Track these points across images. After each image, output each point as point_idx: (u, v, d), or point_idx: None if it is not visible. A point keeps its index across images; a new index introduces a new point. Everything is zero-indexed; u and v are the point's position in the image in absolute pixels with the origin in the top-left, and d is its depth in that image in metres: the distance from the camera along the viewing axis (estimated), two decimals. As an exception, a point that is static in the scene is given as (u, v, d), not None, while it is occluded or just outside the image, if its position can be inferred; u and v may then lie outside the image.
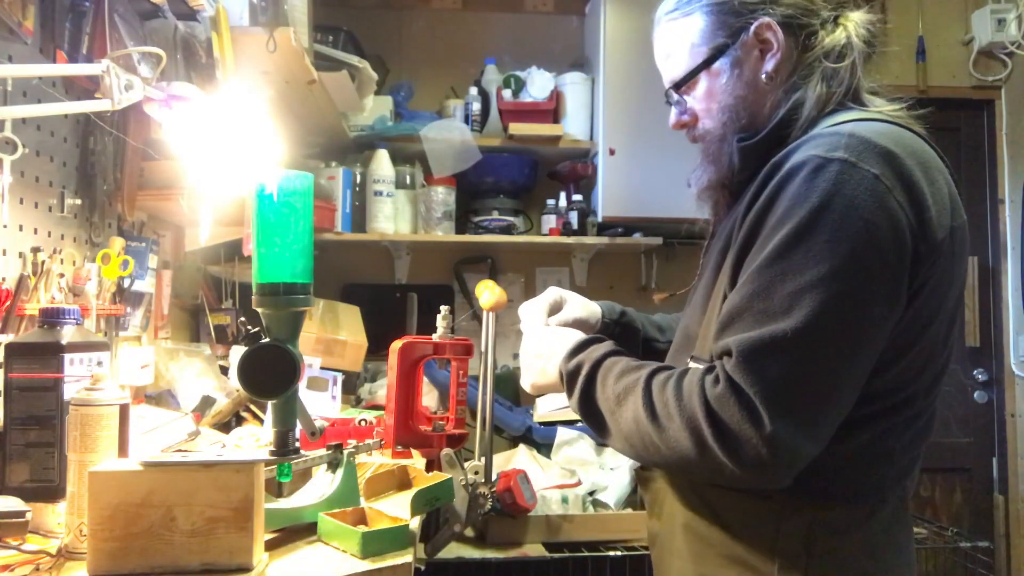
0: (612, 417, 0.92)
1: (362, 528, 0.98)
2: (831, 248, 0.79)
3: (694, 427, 0.82)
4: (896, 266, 0.81)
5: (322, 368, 1.94)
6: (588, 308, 1.22)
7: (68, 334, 1.01)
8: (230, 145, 1.31)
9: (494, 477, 1.65)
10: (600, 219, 2.49)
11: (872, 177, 0.81)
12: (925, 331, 0.87)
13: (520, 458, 2.02)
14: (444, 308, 1.57)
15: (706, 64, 0.98)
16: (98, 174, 1.52)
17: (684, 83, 1.01)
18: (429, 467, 1.43)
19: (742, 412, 0.79)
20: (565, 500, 1.79)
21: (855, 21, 0.97)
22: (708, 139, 1.01)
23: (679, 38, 1.01)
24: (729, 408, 0.79)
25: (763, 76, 0.96)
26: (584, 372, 0.95)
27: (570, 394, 0.98)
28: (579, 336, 1.03)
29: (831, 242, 0.79)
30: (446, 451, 1.35)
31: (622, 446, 0.93)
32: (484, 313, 1.34)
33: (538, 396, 1.16)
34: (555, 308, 1.20)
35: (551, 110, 2.56)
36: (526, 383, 1.09)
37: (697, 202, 1.06)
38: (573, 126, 2.57)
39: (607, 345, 0.99)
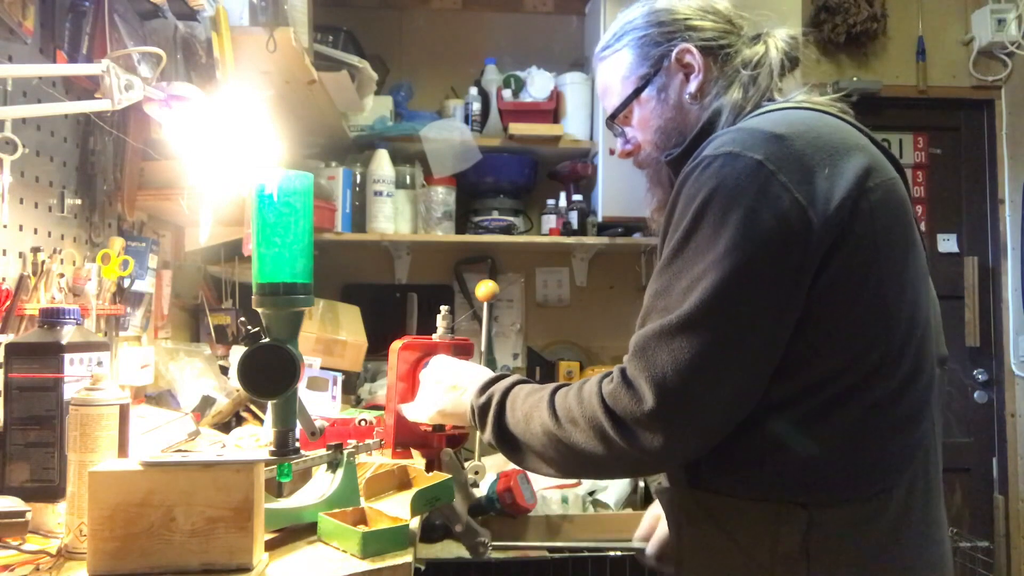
0: (525, 437, 0.96)
1: (362, 528, 0.98)
2: (713, 239, 0.83)
3: (596, 424, 0.87)
4: (781, 245, 0.82)
5: (322, 368, 1.94)
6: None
7: (68, 334, 1.01)
8: (230, 145, 1.31)
9: (494, 477, 1.65)
10: (600, 219, 2.49)
11: (755, 163, 0.84)
12: (857, 298, 0.86)
13: (520, 458, 2.02)
14: (444, 308, 1.57)
15: (636, 93, 1.06)
16: (98, 174, 1.52)
17: (619, 113, 1.09)
18: (429, 467, 1.43)
19: (631, 399, 0.84)
20: (565, 500, 1.79)
21: (776, 36, 1.05)
22: (648, 163, 1.09)
23: (612, 73, 1.09)
24: (621, 399, 0.85)
25: (687, 97, 1.03)
26: (495, 402, 1.01)
27: (483, 427, 1.03)
28: (488, 373, 1.10)
29: (714, 234, 0.83)
30: (446, 451, 1.35)
31: (540, 464, 0.97)
32: (482, 307, 1.39)
33: (422, 423, 1.23)
34: None
35: (551, 110, 2.56)
36: (430, 410, 1.15)
37: (652, 224, 1.13)
38: (573, 126, 2.57)
39: (514, 377, 1.06)
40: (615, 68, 1.09)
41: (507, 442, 1.00)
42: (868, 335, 0.87)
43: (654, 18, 1.06)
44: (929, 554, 0.94)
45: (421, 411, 1.18)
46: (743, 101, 1.00)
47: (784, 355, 0.86)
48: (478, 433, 1.42)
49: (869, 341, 0.87)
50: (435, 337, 1.57)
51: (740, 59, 1.02)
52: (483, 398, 1.03)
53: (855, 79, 2.90)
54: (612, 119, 1.11)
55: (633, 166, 1.14)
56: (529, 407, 0.96)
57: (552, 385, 0.97)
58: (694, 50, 1.02)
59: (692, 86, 1.03)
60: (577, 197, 2.58)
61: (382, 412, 1.65)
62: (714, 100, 1.01)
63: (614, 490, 1.85)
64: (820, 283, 0.85)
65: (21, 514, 0.89)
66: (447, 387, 1.13)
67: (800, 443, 0.86)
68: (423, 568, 1.28)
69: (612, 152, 1.19)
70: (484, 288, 1.41)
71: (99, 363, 1.06)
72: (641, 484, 1.86)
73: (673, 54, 1.03)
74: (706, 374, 0.83)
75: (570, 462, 0.93)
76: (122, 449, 0.92)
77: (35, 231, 1.34)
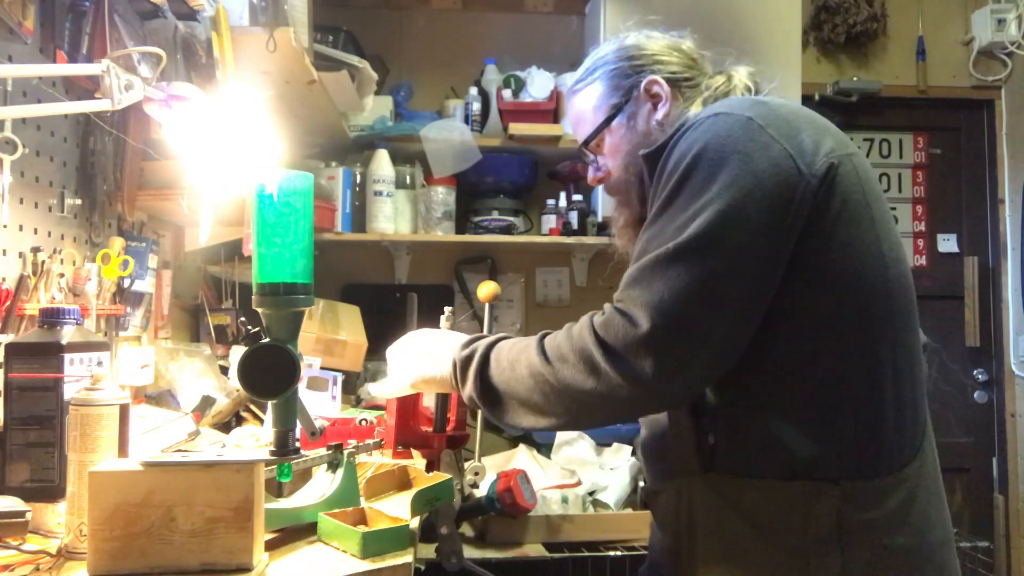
0: (508, 386, 0.94)
1: (362, 528, 0.98)
2: (710, 180, 0.86)
3: (586, 356, 0.86)
4: (775, 189, 0.85)
5: (322, 368, 1.94)
6: None
7: (68, 334, 1.01)
8: (230, 145, 1.31)
9: (494, 477, 1.65)
10: (600, 219, 2.49)
11: (744, 119, 0.89)
12: (851, 259, 0.88)
13: (520, 458, 2.02)
14: (448, 309, 1.57)
15: (607, 122, 1.11)
16: (98, 174, 1.52)
17: (591, 141, 1.14)
18: (429, 467, 1.43)
19: (624, 324, 0.84)
20: (565, 500, 1.79)
21: (738, 72, 1.11)
22: (617, 186, 1.13)
23: (584, 104, 1.14)
24: (614, 327, 0.85)
25: (655, 123, 1.08)
26: (479, 355, 0.99)
27: (463, 381, 1.00)
28: (469, 335, 1.08)
29: (710, 176, 0.86)
30: (446, 451, 1.36)
31: (523, 413, 0.94)
32: (483, 308, 1.39)
33: (402, 393, 1.20)
34: None
35: (551, 110, 2.56)
36: (408, 379, 1.11)
37: (618, 241, 1.17)
38: (573, 126, 2.57)
39: (498, 335, 1.04)
40: (587, 99, 1.14)
41: (488, 394, 0.97)
42: (861, 295, 0.89)
43: (624, 53, 1.12)
44: (947, 524, 0.97)
45: (396, 383, 1.14)
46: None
47: (797, 323, 0.88)
48: (478, 433, 1.42)
49: (864, 302, 0.89)
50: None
51: (704, 86, 1.09)
52: (466, 351, 1.01)
53: (855, 79, 2.90)
54: (584, 146, 1.16)
55: (604, 192, 1.19)
56: (515, 354, 0.95)
57: (541, 333, 0.96)
58: (661, 81, 1.08)
59: (659, 114, 1.08)
60: (577, 197, 2.58)
61: (382, 412, 1.65)
62: (681, 116, 1.06)
63: (614, 490, 1.85)
64: (828, 243, 0.87)
65: (21, 514, 0.89)
66: (427, 353, 1.10)
67: (817, 421, 0.87)
68: (423, 568, 1.29)
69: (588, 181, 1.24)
70: (485, 289, 1.40)
71: (99, 363, 1.06)
72: (641, 484, 1.86)
73: (642, 84, 1.09)
74: (704, 300, 0.83)
75: (556, 405, 0.90)
76: (122, 449, 0.92)
77: (35, 231, 1.34)
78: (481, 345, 1.00)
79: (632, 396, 0.85)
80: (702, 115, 0.94)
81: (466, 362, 1.00)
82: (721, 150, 0.87)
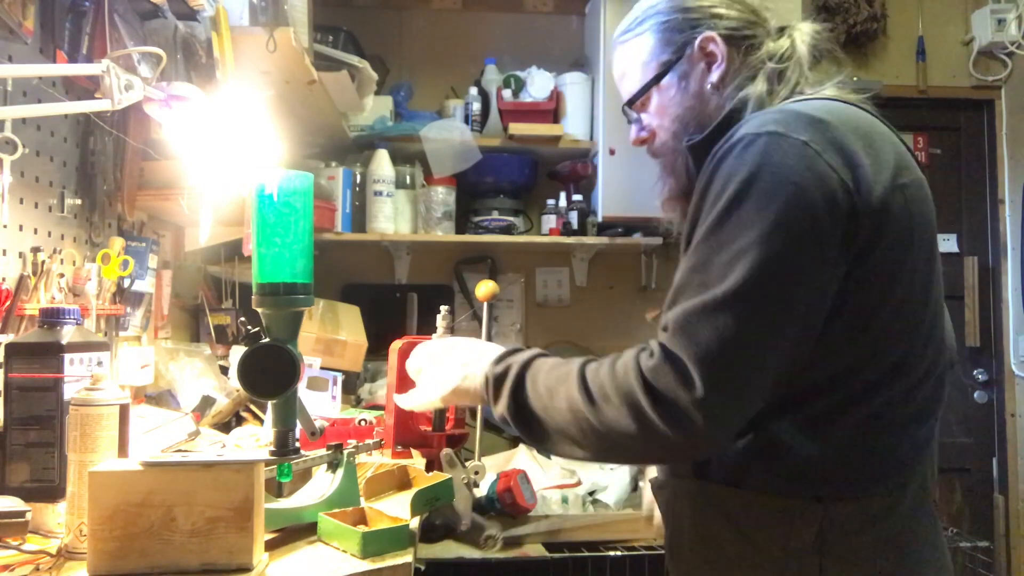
0: (546, 413, 0.89)
1: (362, 528, 0.98)
2: (761, 213, 0.80)
3: (632, 401, 0.81)
4: (829, 226, 0.81)
5: (322, 368, 1.94)
6: None
7: (68, 334, 1.01)
8: (230, 145, 1.31)
9: (494, 477, 1.65)
10: (600, 219, 2.49)
11: (800, 143, 0.83)
12: (891, 291, 0.85)
13: (520, 458, 2.02)
14: (444, 308, 1.57)
15: (656, 80, 1.03)
16: (98, 174, 1.52)
17: (637, 99, 1.06)
18: (429, 467, 1.43)
19: (676, 377, 0.79)
20: (565, 500, 1.79)
21: (801, 30, 1.02)
22: (664, 151, 1.06)
23: (631, 58, 1.06)
24: (664, 376, 0.80)
25: (708, 86, 1.01)
26: (513, 374, 0.93)
27: (496, 399, 0.94)
28: (503, 347, 1.01)
29: (761, 208, 0.81)
30: (446, 451, 1.36)
31: (556, 441, 0.90)
32: (482, 307, 1.38)
33: (432, 406, 1.12)
34: None
35: (551, 110, 2.56)
36: (438, 392, 1.03)
37: (664, 212, 1.10)
38: (573, 126, 2.57)
39: (534, 350, 0.97)
40: (635, 53, 1.06)
41: (522, 418, 0.92)
42: (896, 330, 0.87)
43: (679, 3, 1.03)
44: (942, 545, 0.95)
45: (425, 396, 1.06)
46: (769, 93, 0.98)
47: (813, 347, 0.85)
48: (478, 432, 1.42)
49: (896, 337, 0.87)
50: (435, 337, 1.57)
51: (765, 51, 1.00)
52: (500, 367, 0.95)
53: (855, 79, 2.89)
54: (629, 104, 1.08)
55: (648, 155, 1.10)
56: (554, 380, 0.89)
57: (580, 359, 0.90)
58: (718, 39, 1.00)
59: (714, 75, 1.00)
60: (577, 197, 2.58)
61: (382, 412, 1.65)
62: (737, 91, 0.98)
63: (614, 490, 1.85)
64: (855, 275, 0.84)
65: (21, 514, 0.89)
66: (458, 365, 1.02)
67: (817, 437, 0.85)
68: (423, 568, 1.28)
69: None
70: (484, 288, 1.40)
71: (99, 363, 1.06)
72: (641, 484, 1.86)
73: (696, 42, 1.01)
74: (753, 354, 0.80)
75: (593, 442, 0.86)
76: (122, 449, 0.92)
77: (35, 231, 1.34)
78: (516, 364, 0.94)
79: (675, 445, 0.81)
80: (756, 123, 0.87)
81: (500, 380, 0.94)
82: (776, 179, 0.81)
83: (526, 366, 0.93)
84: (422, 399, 1.07)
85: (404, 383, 1.52)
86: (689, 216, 0.90)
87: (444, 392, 1.02)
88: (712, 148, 0.91)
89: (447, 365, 1.03)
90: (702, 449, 0.84)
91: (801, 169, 0.81)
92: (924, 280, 0.89)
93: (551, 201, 2.58)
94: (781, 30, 1.02)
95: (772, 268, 0.79)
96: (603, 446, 0.86)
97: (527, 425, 0.92)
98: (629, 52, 1.07)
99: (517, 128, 2.50)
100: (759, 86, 0.98)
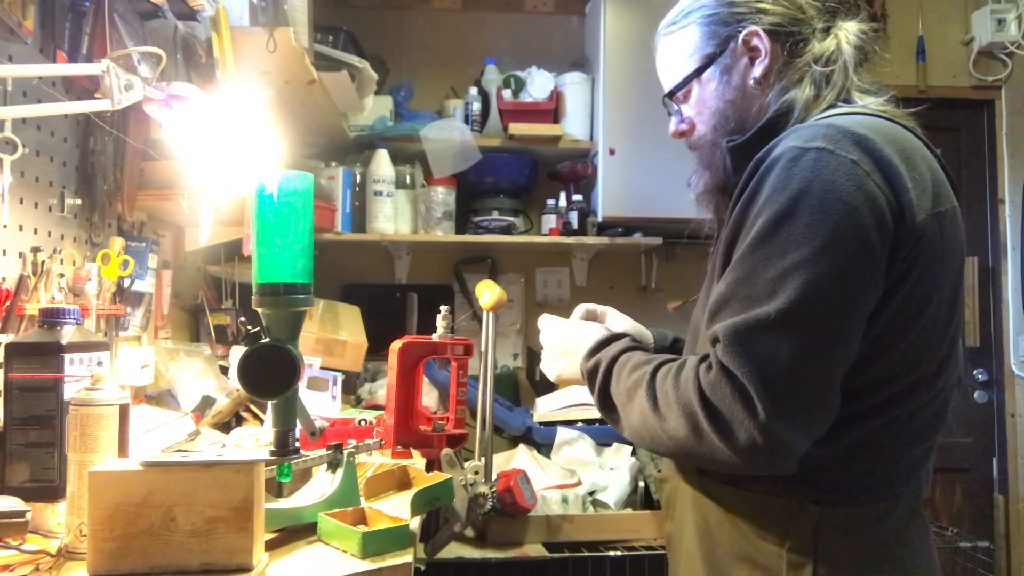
0: (624, 412, 0.95)
1: (362, 528, 0.98)
2: (812, 230, 0.80)
3: (690, 413, 0.84)
4: (878, 246, 0.82)
5: (322, 368, 1.94)
6: (637, 329, 1.20)
7: (68, 334, 1.01)
8: (230, 145, 1.31)
9: (494, 477, 1.65)
10: (600, 219, 2.49)
11: (850, 162, 0.83)
12: (919, 317, 0.86)
13: (520, 458, 2.02)
14: (444, 308, 1.57)
15: (697, 73, 1.04)
16: (98, 174, 1.52)
17: (678, 91, 1.06)
18: (429, 467, 1.43)
19: (734, 395, 0.80)
20: (565, 500, 1.79)
21: (847, 30, 1.00)
22: (702, 144, 1.06)
23: (675, 50, 1.06)
24: (721, 392, 0.81)
25: (751, 81, 1.01)
26: (601, 370, 0.99)
27: (591, 388, 1.02)
28: (599, 334, 1.06)
29: (812, 225, 0.81)
30: (446, 451, 1.35)
31: (635, 439, 0.96)
32: (484, 313, 1.36)
33: (562, 386, 1.23)
34: (591, 319, 1.21)
35: (551, 110, 2.56)
36: (552, 374, 1.14)
37: (697, 206, 1.10)
38: (573, 126, 2.57)
39: (623, 343, 1.02)
40: (679, 45, 1.06)
41: (609, 411, 0.98)
42: (917, 353, 0.87)
43: None
44: (931, 553, 0.96)
45: (550, 374, 1.16)
46: (815, 98, 0.97)
47: None
48: (478, 432, 1.41)
49: (916, 360, 0.88)
50: (435, 337, 1.57)
51: (811, 53, 0.99)
52: (591, 363, 1.01)
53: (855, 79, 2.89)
54: (670, 96, 1.08)
55: (686, 147, 1.10)
56: (633, 383, 0.93)
57: (656, 360, 0.93)
58: (762, 34, 0.99)
59: (757, 71, 1.00)
60: (577, 197, 2.58)
61: (382, 412, 1.65)
62: (782, 93, 0.98)
63: (614, 490, 1.85)
64: (888, 298, 0.84)
65: (21, 514, 0.89)
66: (560, 352, 1.11)
67: (823, 445, 0.85)
68: (423, 568, 1.28)
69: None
70: (490, 295, 1.34)
71: (99, 363, 1.05)
72: (641, 484, 1.86)
73: (740, 36, 1.00)
74: (809, 373, 0.80)
75: (660, 446, 0.91)
76: (122, 449, 0.92)
77: (35, 231, 1.34)
78: (604, 360, 1.00)
79: (733, 460, 0.82)
80: (803, 136, 0.86)
81: (592, 374, 1.01)
82: (826, 197, 0.81)
83: (612, 363, 0.98)
84: (553, 377, 1.15)
85: (405, 383, 1.52)
86: (730, 224, 0.90)
87: (555, 376, 1.13)
88: (753, 152, 0.92)
89: (554, 354, 1.13)
90: (762, 466, 0.84)
91: (852, 188, 0.81)
92: (948, 308, 0.90)
93: (551, 201, 2.58)
94: (827, 29, 1.01)
95: (825, 287, 0.80)
96: (666, 450, 0.92)
97: (614, 422, 0.98)
98: (673, 44, 1.07)
99: (517, 128, 2.50)
100: (806, 91, 0.97)
